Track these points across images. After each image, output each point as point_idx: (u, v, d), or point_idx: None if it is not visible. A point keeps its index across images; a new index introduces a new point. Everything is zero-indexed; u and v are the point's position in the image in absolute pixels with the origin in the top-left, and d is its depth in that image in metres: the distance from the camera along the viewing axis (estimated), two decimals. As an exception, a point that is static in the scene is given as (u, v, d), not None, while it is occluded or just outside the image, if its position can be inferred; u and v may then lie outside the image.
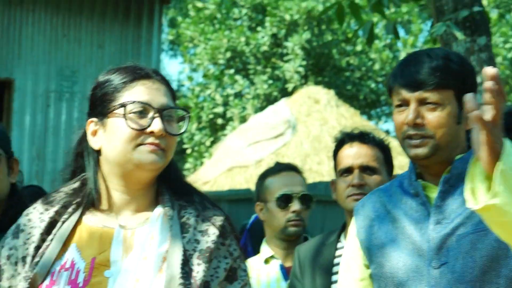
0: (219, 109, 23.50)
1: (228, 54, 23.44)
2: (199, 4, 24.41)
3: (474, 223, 2.44)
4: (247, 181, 15.73)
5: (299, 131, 16.78)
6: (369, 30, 5.50)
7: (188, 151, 23.90)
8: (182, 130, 2.37)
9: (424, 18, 24.24)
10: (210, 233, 2.30)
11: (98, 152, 2.33)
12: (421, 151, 2.48)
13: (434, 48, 2.64)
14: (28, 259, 2.22)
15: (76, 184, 2.35)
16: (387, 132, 24.69)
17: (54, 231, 2.26)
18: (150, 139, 2.26)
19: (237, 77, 23.57)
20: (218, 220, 2.34)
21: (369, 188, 3.30)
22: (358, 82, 24.02)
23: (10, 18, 9.83)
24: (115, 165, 2.29)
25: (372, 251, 2.58)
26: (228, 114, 23.25)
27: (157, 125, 2.26)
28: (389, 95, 2.58)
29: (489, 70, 1.99)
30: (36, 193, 2.82)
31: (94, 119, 2.33)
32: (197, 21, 24.49)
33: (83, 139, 2.37)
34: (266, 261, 3.89)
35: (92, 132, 2.33)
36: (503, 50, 22.76)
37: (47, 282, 2.21)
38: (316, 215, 10.88)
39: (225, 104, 23.71)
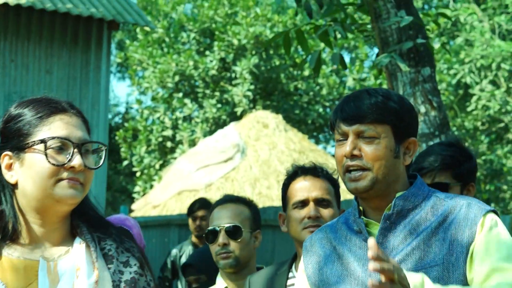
0: (168, 132, 23.48)
1: (177, 78, 23.47)
2: (147, 28, 24.43)
3: (415, 259, 2.51)
4: (196, 205, 15.69)
5: (248, 155, 16.85)
6: (316, 60, 5.58)
7: (138, 174, 23.82)
8: (100, 164, 2.39)
9: (370, 43, 24.57)
10: (132, 264, 2.36)
11: (14, 186, 2.32)
12: (360, 184, 2.55)
13: (376, 88, 2.73)
14: None
15: None
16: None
17: None
18: (70, 174, 2.27)
19: (186, 100, 23.60)
20: (136, 251, 2.40)
21: (324, 221, 3.38)
22: (306, 106, 24.19)
23: (-43, 43, 9.77)
24: (33, 199, 2.29)
25: (319, 287, 2.64)
26: (178, 137, 23.25)
27: (77, 160, 2.27)
28: (331, 130, 2.66)
29: (369, 242, 2.21)
30: None
31: (9, 153, 2.31)
32: (145, 45, 24.49)
33: None
34: None
35: (7, 166, 2.32)
36: (447, 76, 23.15)
37: None
38: (267, 239, 10.94)
39: (174, 127, 23.70)
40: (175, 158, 21.90)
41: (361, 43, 24.57)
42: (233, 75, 23.55)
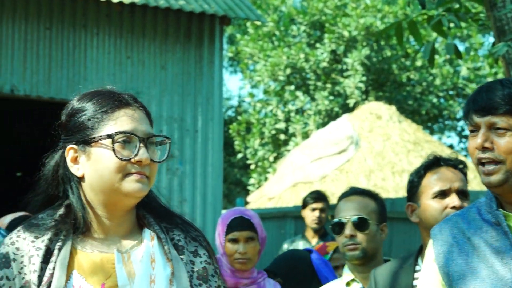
0: (281, 125, 23.54)
1: (288, 71, 23.50)
2: (258, 22, 24.53)
3: None
4: (311, 198, 15.68)
5: (362, 146, 16.74)
6: (430, 51, 5.48)
7: (252, 166, 23.97)
8: (165, 157, 2.38)
9: (484, 32, 24.01)
10: (201, 253, 2.38)
11: (80, 179, 2.32)
12: (494, 178, 2.48)
13: (510, 78, 2.64)
14: None
15: (62, 211, 2.32)
16: (451, 146, 24.48)
17: (53, 259, 2.23)
18: (136, 168, 2.27)
19: (298, 93, 23.60)
20: (203, 240, 2.41)
21: None
22: (420, 97, 23.86)
23: (75, 41, 10.02)
24: (100, 193, 2.29)
25: (452, 277, 2.56)
26: (290, 130, 23.28)
27: (143, 154, 2.27)
28: (465, 121, 2.59)
29: None
30: None
31: (74, 146, 2.31)
32: (256, 38, 24.60)
33: (61, 164, 2.35)
34: (348, 284, 3.92)
35: (72, 159, 2.31)
36: None
37: None
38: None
39: (287, 120, 23.74)
40: (288, 151, 21.93)
41: (474, 32, 24.05)
42: (344, 67, 23.43)
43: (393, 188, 15.46)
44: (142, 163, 2.27)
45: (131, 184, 2.26)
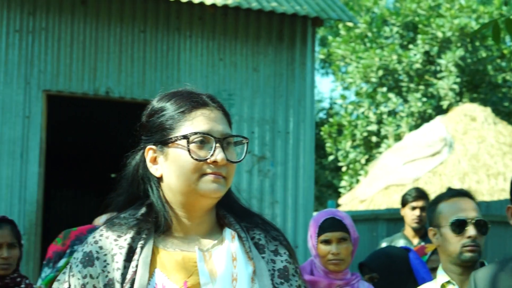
0: (373, 127, 23.39)
1: (381, 72, 23.33)
2: (350, 24, 24.42)
3: None
4: (403, 200, 15.54)
5: (456, 149, 16.50)
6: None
7: (343, 168, 23.88)
8: (242, 157, 2.36)
9: None
10: (281, 252, 2.37)
11: (159, 179, 2.33)
12: None
13: None
14: (117, 286, 2.21)
15: (143, 210, 2.33)
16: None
17: (136, 257, 2.25)
18: (213, 169, 2.27)
19: (390, 95, 23.41)
20: (283, 239, 2.41)
21: None
22: (516, 98, 23.42)
23: (169, 44, 10.14)
24: (178, 193, 2.30)
25: None
26: (382, 132, 23.11)
27: (219, 155, 2.26)
28: None
29: None
30: None
31: (153, 147, 2.33)
32: (348, 40, 24.50)
33: (141, 164, 2.37)
34: (443, 286, 3.85)
35: (151, 159, 2.33)
36: None
37: None
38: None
39: (379, 122, 23.57)
40: (380, 153, 21.78)
41: None
42: (437, 68, 23.12)
43: (487, 191, 15.19)
44: (218, 163, 2.26)
45: (207, 185, 2.26)
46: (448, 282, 3.81)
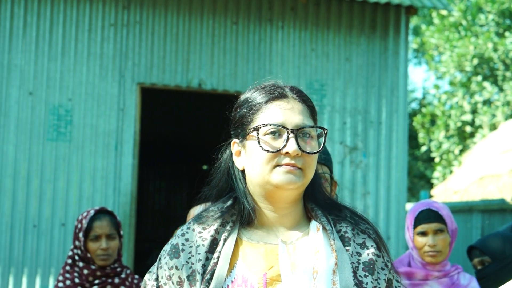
0: (467, 117, 23.00)
1: (475, 61, 22.90)
2: (444, 12, 24.04)
3: None
4: (500, 191, 15.26)
5: (554, 138, 16.09)
6: None
7: (437, 159, 23.56)
8: (320, 148, 2.34)
9: None
10: (368, 245, 2.36)
11: (243, 172, 2.37)
12: None
13: None
14: (197, 277, 2.23)
15: (229, 202, 2.37)
16: None
17: (218, 249, 2.27)
18: (286, 160, 2.27)
19: (485, 83, 22.97)
20: (372, 232, 2.39)
21: None
22: None
23: (261, 34, 10.14)
24: (256, 185, 2.32)
25: None
26: (477, 122, 22.70)
27: (292, 146, 2.26)
28: None
29: None
30: None
31: (236, 140, 2.38)
32: (442, 29, 24.13)
33: (229, 158, 2.41)
34: None
35: (236, 153, 2.37)
36: None
37: None
38: None
39: (474, 111, 23.16)
40: (474, 143, 21.41)
41: None
42: (535, 56, 22.61)
43: None
44: (291, 154, 2.26)
45: (279, 176, 2.27)
46: None
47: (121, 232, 4.80)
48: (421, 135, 24.14)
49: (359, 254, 2.33)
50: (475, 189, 16.20)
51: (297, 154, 2.27)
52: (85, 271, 4.71)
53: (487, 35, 22.77)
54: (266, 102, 2.33)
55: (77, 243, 4.74)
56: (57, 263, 9.01)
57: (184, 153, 19.29)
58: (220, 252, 2.27)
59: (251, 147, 2.32)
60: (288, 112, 2.31)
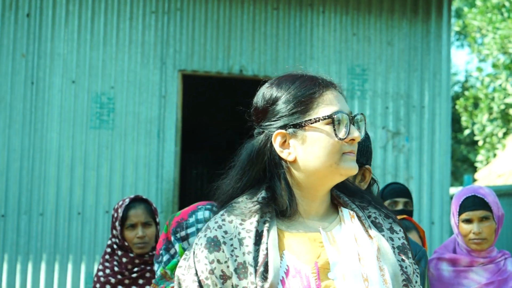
0: (511, 100, 22.75)
1: (519, 43, 22.62)
2: (486, -7, 23.79)
3: None
4: (544, 174, 15.11)
5: None
6: None
7: (480, 142, 23.36)
8: (364, 133, 2.37)
9: None
10: (397, 230, 2.40)
11: (289, 163, 2.33)
12: None
13: None
14: (251, 269, 2.20)
15: (263, 193, 2.34)
16: None
17: (264, 240, 2.25)
18: (350, 147, 2.31)
19: (529, 66, 22.70)
20: (394, 216, 2.43)
21: None
22: None
23: (302, 20, 10.11)
24: (313, 174, 2.32)
25: None
26: (521, 104, 22.47)
27: (355, 132, 2.31)
28: None
29: None
30: None
31: (281, 131, 2.33)
32: (484, 11, 23.85)
33: (267, 150, 2.36)
34: None
35: (280, 144, 2.34)
36: None
37: None
38: None
39: (517, 94, 22.91)
40: (518, 126, 21.17)
41: None
42: None
43: None
44: (355, 141, 2.31)
45: (349, 164, 2.31)
46: None
47: (157, 219, 4.80)
48: (464, 119, 23.94)
49: (392, 239, 2.37)
50: (519, 172, 16.06)
51: (359, 139, 2.33)
52: (124, 260, 4.74)
53: (531, 16, 22.49)
54: (321, 92, 2.33)
55: (114, 232, 4.77)
56: (101, 250, 9.10)
57: (225, 139, 19.34)
58: (267, 243, 2.25)
59: (314, 137, 2.30)
60: (341, 101, 2.36)
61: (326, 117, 2.30)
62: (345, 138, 2.29)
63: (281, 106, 2.35)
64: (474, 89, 24.71)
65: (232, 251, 2.24)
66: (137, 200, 4.82)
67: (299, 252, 2.28)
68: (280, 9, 10.03)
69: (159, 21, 9.68)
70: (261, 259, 2.22)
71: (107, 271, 4.74)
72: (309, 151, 2.31)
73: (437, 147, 10.21)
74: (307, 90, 2.33)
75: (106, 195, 9.26)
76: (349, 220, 2.35)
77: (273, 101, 2.37)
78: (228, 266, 2.23)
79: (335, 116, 2.30)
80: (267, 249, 2.24)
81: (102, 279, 4.75)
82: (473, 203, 4.29)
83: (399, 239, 2.38)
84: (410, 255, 2.37)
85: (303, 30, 10.07)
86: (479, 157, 23.17)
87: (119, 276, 4.71)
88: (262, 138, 2.38)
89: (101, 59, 9.48)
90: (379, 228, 2.36)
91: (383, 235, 2.35)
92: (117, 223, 4.75)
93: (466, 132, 24.26)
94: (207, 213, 3.66)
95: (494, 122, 23.10)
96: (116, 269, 4.73)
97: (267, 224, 2.29)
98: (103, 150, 9.34)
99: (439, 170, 10.15)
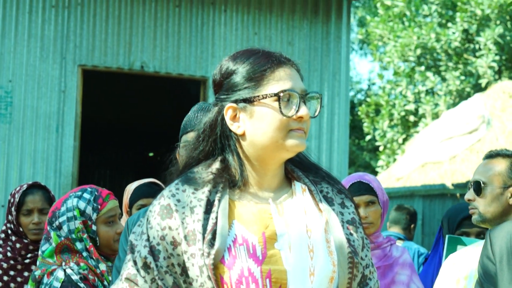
0: (411, 106, 23.25)
1: (418, 51, 23.14)
2: (388, 2, 24.25)
3: None
4: (441, 177, 15.47)
5: (494, 126, 16.35)
6: None
7: (381, 148, 23.78)
8: (317, 112, 2.43)
9: None
10: (348, 205, 2.46)
11: (239, 136, 2.39)
12: None
13: None
14: (199, 237, 2.26)
15: (217, 165, 2.40)
16: None
17: (215, 209, 2.30)
18: (297, 124, 2.34)
19: (428, 73, 23.22)
20: (347, 192, 2.49)
21: None
22: (556, 75, 23.11)
23: (204, 18, 10.14)
24: (261, 149, 2.37)
25: None
26: (420, 111, 22.95)
27: (304, 110, 2.35)
28: None
29: None
30: None
31: (233, 105, 2.38)
32: (386, 19, 24.33)
33: (219, 122, 2.42)
34: None
35: (231, 117, 2.39)
36: None
37: (227, 257, 2.27)
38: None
39: (417, 101, 23.42)
40: (418, 132, 21.65)
41: None
42: (476, 46, 22.88)
43: (525, 167, 15.05)
44: (303, 119, 2.34)
45: (294, 140, 2.34)
46: None
47: None
48: (365, 125, 24.34)
49: (342, 214, 2.42)
50: (417, 175, 16.40)
51: (308, 118, 2.36)
52: (18, 245, 4.69)
53: (431, 26, 23.00)
54: (273, 68, 2.37)
55: (9, 217, 4.72)
56: (-3, 245, 8.94)
57: (129, 139, 19.22)
58: (217, 212, 2.30)
59: (262, 112, 2.35)
60: (293, 78, 2.38)
61: (273, 94, 2.34)
62: (292, 115, 2.33)
63: (235, 80, 2.39)
64: (376, 96, 25.16)
65: (184, 219, 2.29)
66: (35, 187, 4.78)
67: (248, 222, 2.33)
68: (182, 6, 10.05)
69: (59, 16, 9.58)
70: (209, 227, 2.26)
71: (0, 256, 4.68)
72: (257, 126, 2.36)
73: (335, 146, 10.38)
74: (260, 66, 2.37)
75: (2, 189, 9.11)
76: (300, 193, 2.41)
77: (228, 75, 2.41)
78: (178, 233, 2.28)
79: (282, 93, 2.33)
80: (216, 217, 2.29)
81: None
82: (359, 188, 4.34)
83: (349, 213, 2.43)
84: (360, 230, 2.43)
85: (204, 28, 10.12)
86: (380, 162, 23.59)
87: (11, 262, 4.65)
88: (216, 110, 2.42)
89: (-1, 52, 9.35)
90: (330, 202, 2.42)
91: (333, 209, 2.40)
92: (13, 208, 4.70)
93: (368, 138, 24.67)
94: (75, 201, 3.67)
95: (395, 128, 23.55)
96: (9, 254, 4.67)
97: (218, 194, 2.33)
98: (0, 144, 9.20)
99: (337, 169, 10.30)
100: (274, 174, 2.42)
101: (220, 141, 2.42)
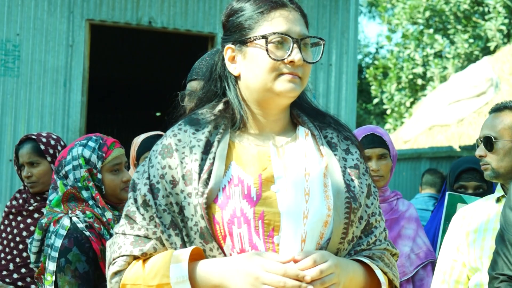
0: (419, 69, 23.16)
1: (427, 14, 23.01)
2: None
3: None
4: (448, 140, 15.46)
5: (502, 89, 16.30)
6: None
7: (388, 111, 23.74)
8: (318, 58, 2.40)
9: None
10: (352, 151, 2.44)
11: (237, 77, 2.40)
12: None
13: None
14: (194, 176, 2.27)
15: (220, 106, 2.41)
16: None
17: (213, 150, 2.32)
18: (289, 69, 2.31)
19: (437, 36, 23.10)
20: (354, 139, 2.46)
21: None
22: None
23: (212, -25, 10.08)
24: (254, 92, 2.36)
25: None
26: (428, 74, 22.87)
27: (296, 55, 2.30)
28: None
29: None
30: None
31: (231, 46, 2.38)
32: (396, -19, 24.20)
33: (219, 63, 2.44)
34: (498, 200, 3.76)
35: (230, 58, 2.39)
36: None
37: (221, 197, 2.27)
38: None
39: (425, 64, 23.32)
40: (425, 95, 21.59)
41: None
42: (485, 9, 22.74)
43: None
44: (295, 63, 2.31)
45: (283, 84, 2.31)
46: (503, 196, 3.73)
47: (48, 158, 4.75)
48: (373, 88, 24.28)
49: (345, 160, 2.41)
50: (424, 138, 16.39)
51: (301, 63, 2.32)
52: (24, 196, 4.77)
53: (440, -12, 22.88)
54: (269, 10, 2.35)
55: (19, 172, 4.79)
56: (5, 199, 8.97)
57: (136, 98, 19.20)
58: (215, 153, 2.32)
59: (253, 54, 2.34)
60: (291, 21, 2.34)
61: (261, 37, 2.32)
62: (282, 59, 2.30)
63: (234, 21, 2.38)
64: (384, 59, 25.06)
65: (183, 158, 2.31)
66: (23, 141, 4.79)
67: (246, 163, 2.34)
68: (191, -38, 9.98)
69: (68, -31, 9.53)
70: (206, 167, 2.28)
71: (13, 202, 4.76)
72: (249, 68, 2.35)
73: (343, 104, 10.35)
74: (258, 8, 2.35)
75: (10, 143, 9.11)
76: (303, 137, 2.41)
77: (230, 15, 2.40)
78: (177, 172, 2.29)
79: (271, 36, 2.31)
80: (214, 158, 2.30)
81: (6, 209, 4.78)
82: (372, 141, 4.31)
83: (353, 160, 2.41)
84: (366, 177, 2.42)
85: (213, -16, 10.05)
86: (387, 126, 23.57)
87: (19, 209, 4.72)
88: (219, 51, 2.44)
89: (7, 5, 9.29)
90: (333, 147, 2.40)
91: (336, 154, 2.39)
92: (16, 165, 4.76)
93: (375, 101, 24.62)
94: (80, 149, 3.66)
95: (402, 92, 23.50)
96: (18, 202, 4.75)
97: (219, 135, 2.34)
98: (8, 98, 9.19)
99: (344, 128, 10.28)
100: (276, 119, 2.41)
101: (220, 81, 2.43)
